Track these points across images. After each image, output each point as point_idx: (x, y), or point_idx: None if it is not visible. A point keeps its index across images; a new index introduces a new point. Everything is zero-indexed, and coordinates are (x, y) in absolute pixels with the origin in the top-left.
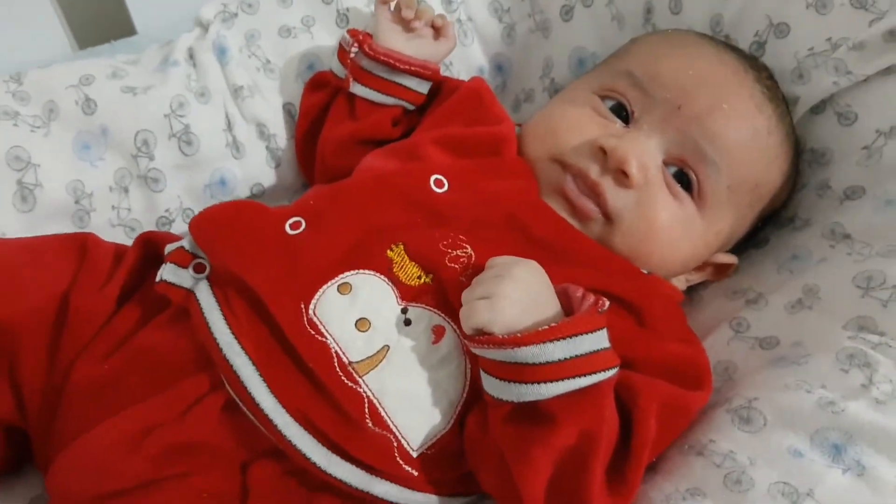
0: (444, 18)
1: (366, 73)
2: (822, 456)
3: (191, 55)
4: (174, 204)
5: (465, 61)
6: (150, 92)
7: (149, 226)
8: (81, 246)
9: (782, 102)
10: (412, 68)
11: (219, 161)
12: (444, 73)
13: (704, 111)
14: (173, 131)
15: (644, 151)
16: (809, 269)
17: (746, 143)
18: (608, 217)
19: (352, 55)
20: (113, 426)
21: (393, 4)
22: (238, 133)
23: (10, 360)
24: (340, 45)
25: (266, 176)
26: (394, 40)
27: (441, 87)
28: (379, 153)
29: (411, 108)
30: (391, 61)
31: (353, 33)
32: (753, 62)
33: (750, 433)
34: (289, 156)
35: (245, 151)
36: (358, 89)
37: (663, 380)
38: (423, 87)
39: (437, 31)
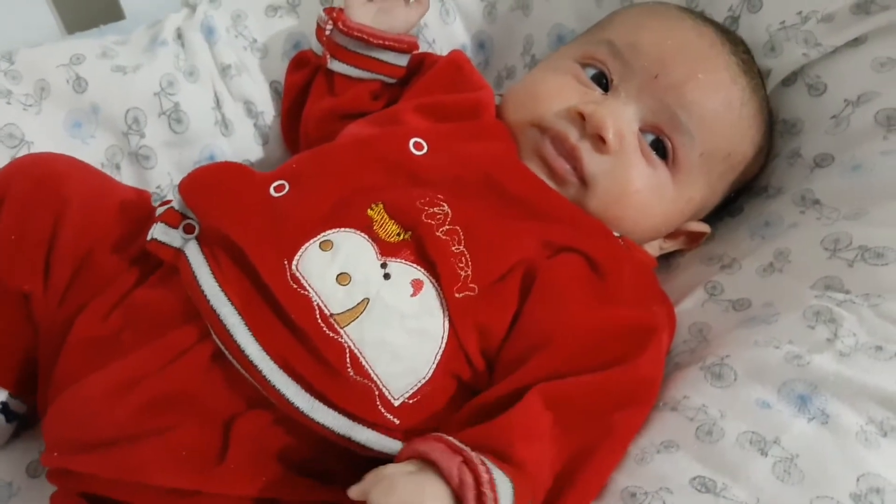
0: None
1: (342, 50)
2: (788, 406)
3: (179, 35)
4: (165, 180)
5: (448, 39)
6: (140, 71)
7: None
8: (137, 202)
9: (757, 75)
10: (386, 42)
11: (208, 138)
12: (426, 51)
13: (680, 81)
14: (163, 109)
15: (621, 118)
16: (780, 235)
17: (720, 113)
18: (584, 181)
19: (327, 32)
20: (101, 377)
21: None
22: (226, 111)
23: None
24: (318, 23)
25: (254, 152)
26: (364, 14)
27: (423, 62)
28: (361, 122)
29: (390, 81)
30: (364, 37)
31: (329, 11)
32: (730, 35)
33: (721, 388)
34: (276, 133)
35: (233, 129)
36: (335, 66)
37: (600, 345)
38: (400, 60)
39: None
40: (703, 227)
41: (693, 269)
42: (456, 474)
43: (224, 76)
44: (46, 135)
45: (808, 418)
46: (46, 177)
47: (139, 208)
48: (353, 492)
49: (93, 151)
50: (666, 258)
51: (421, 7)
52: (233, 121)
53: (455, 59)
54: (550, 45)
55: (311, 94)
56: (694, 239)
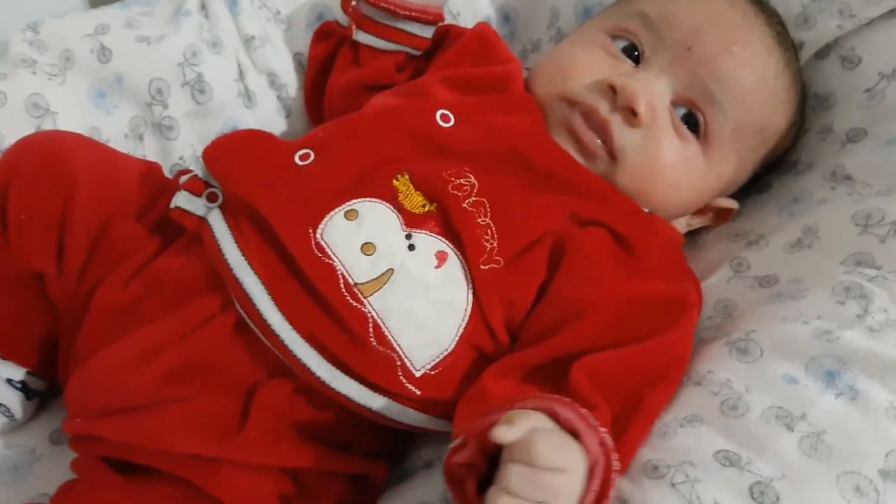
0: None
1: (368, 20)
2: (816, 382)
3: (203, 6)
4: (188, 151)
5: (473, 11)
6: (164, 41)
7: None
8: (148, 172)
9: (791, 48)
10: (412, 14)
11: (231, 110)
12: (450, 22)
13: (714, 53)
14: (186, 80)
15: (653, 91)
16: (810, 211)
17: (754, 87)
18: (613, 155)
19: (353, 3)
20: (124, 345)
21: None
22: (250, 82)
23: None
24: None
25: (277, 125)
26: None
27: (447, 34)
28: (387, 93)
29: (416, 53)
30: (391, 7)
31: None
32: (764, 6)
33: (747, 363)
34: (299, 105)
35: (256, 100)
36: (361, 37)
37: (634, 318)
38: (426, 32)
39: None
40: (732, 204)
41: (719, 245)
42: (594, 455)
43: (247, 47)
44: (71, 105)
45: (836, 394)
46: (54, 154)
47: (152, 180)
48: (507, 434)
49: (116, 122)
50: (691, 235)
51: None
52: (256, 92)
53: (482, 32)
54: (577, 17)
55: (335, 65)
56: (722, 215)
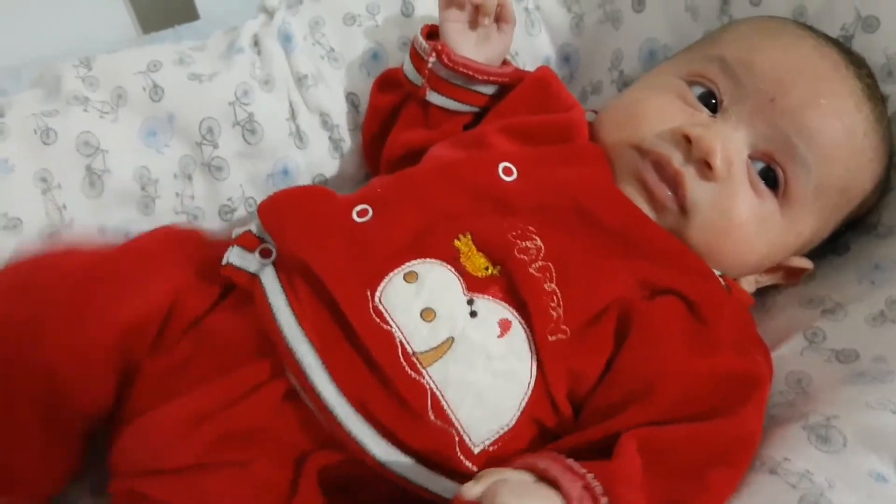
0: (503, 4)
1: (443, 82)
2: None
3: (255, 42)
4: (237, 193)
5: (532, 51)
6: (216, 79)
7: (211, 214)
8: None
9: (881, 102)
10: (491, 78)
11: (282, 150)
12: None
13: (800, 105)
14: (237, 119)
15: (730, 143)
16: (893, 280)
17: (841, 143)
18: (683, 209)
19: (430, 65)
20: (172, 409)
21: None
22: (301, 122)
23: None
24: (414, 49)
25: (328, 166)
26: (466, 46)
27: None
28: (445, 144)
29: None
30: (470, 72)
31: (433, 43)
32: (854, 57)
33: (828, 453)
34: (351, 146)
35: (308, 141)
36: (434, 98)
37: (703, 395)
38: (496, 91)
39: (500, 18)
40: (806, 264)
41: (791, 311)
42: (576, 497)
43: (300, 86)
44: (122, 143)
45: None
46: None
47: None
48: (471, 490)
49: (167, 161)
50: (760, 296)
51: (511, 25)
52: (307, 133)
53: (543, 77)
54: (641, 60)
55: (400, 119)
56: (794, 274)
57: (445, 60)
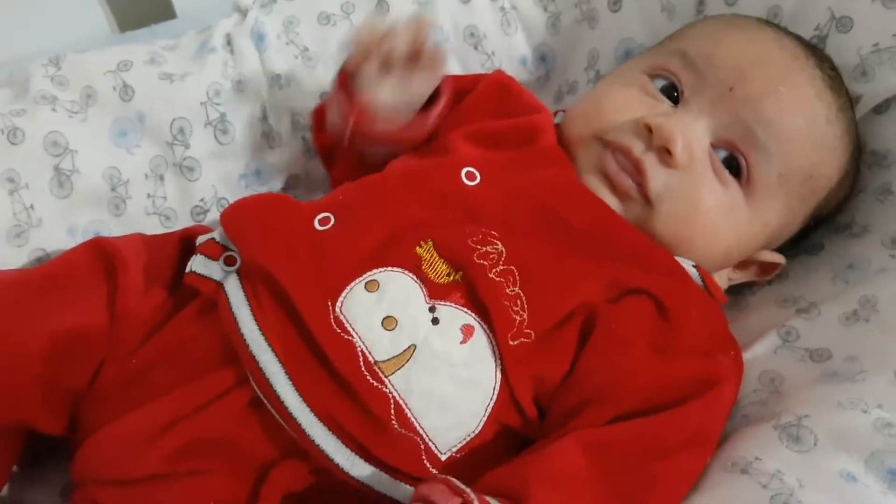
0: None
1: (368, 145)
2: (877, 481)
3: (228, 41)
4: (209, 193)
5: (508, 51)
6: (187, 79)
7: (184, 215)
8: (102, 255)
9: (845, 94)
10: (415, 142)
11: (254, 151)
12: (485, 63)
13: (759, 94)
14: (209, 119)
15: (691, 131)
16: (867, 280)
17: (802, 130)
18: (647, 199)
19: (346, 133)
20: (137, 417)
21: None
22: (274, 123)
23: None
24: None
25: (301, 167)
26: (380, 90)
27: (467, 83)
28: (410, 154)
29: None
30: (389, 143)
31: (347, 104)
32: (815, 50)
33: (799, 453)
34: None
35: (281, 142)
36: (369, 148)
37: (657, 399)
38: (427, 123)
39: (418, 61)
40: (778, 258)
41: (765, 310)
42: None
43: (273, 86)
44: (91, 143)
45: None
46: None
47: (108, 255)
48: None
49: (137, 161)
50: (734, 295)
51: (436, 71)
52: (280, 133)
53: (499, 80)
54: (617, 59)
55: (339, 160)
56: (766, 270)
57: (362, 134)
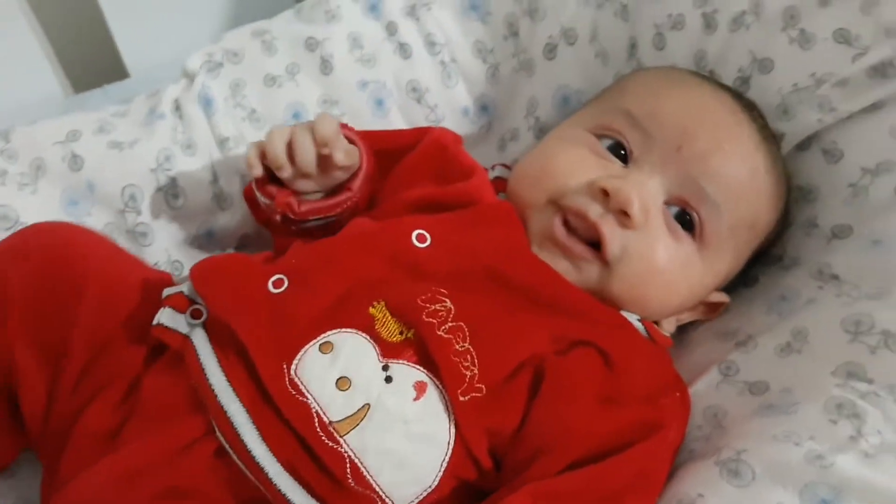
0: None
1: (299, 222)
2: None
3: (177, 107)
4: (162, 257)
5: (450, 103)
6: (137, 146)
7: None
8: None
9: (774, 141)
10: (344, 209)
11: (205, 213)
12: (429, 116)
13: (706, 152)
14: (160, 185)
15: (645, 191)
16: (798, 311)
17: (746, 183)
18: (605, 261)
19: (277, 218)
20: (106, 466)
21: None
22: (224, 185)
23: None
24: (259, 198)
25: (253, 227)
26: (308, 185)
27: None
28: (360, 217)
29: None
30: (322, 215)
31: (270, 196)
32: (745, 101)
33: (739, 487)
34: None
35: (232, 203)
36: (304, 225)
37: (603, 447)
38: (359, 185)
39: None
40: (723, 298)
41: (707, 345)
42: None
43: (222, 148)
44: (42, 214)
45: None
46: (66, 247)
47: (157, 293)
48: None
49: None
50: (678, 332)
51: (352, 159)
52: (230, 195)
53: (438, 141)
54: (555, 106)
55: (275, 231)
56: (712, 309)
57: (291, 216)
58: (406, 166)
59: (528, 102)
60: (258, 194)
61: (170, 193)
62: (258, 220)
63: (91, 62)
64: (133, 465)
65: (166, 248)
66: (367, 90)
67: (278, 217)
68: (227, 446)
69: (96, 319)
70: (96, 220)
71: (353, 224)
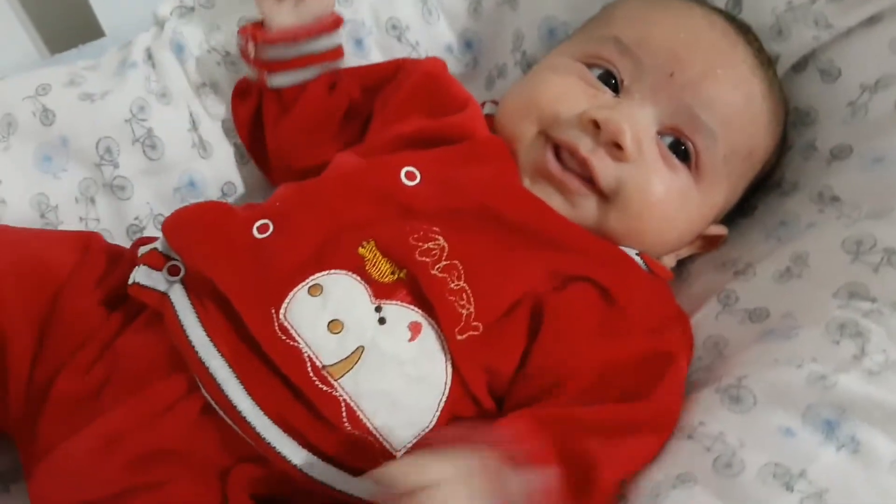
0: None
1: (274, 62)
2: (814, 434)
3: (149, 55)
4: (143, 211)
5: (433, 40)
6: (109, 97)
7: (119, 235)
8: (85, 245)
9: (771, 66)
10: (312, 31)
11: (186, 163)
12: (411, 54)
13: (698, 77)
14: (136, 136)
15: (637, 121)
16: (798, 236)
17: (742, 110)
18: (602, 194)
19: (251, 54)
20: (88, 434)
21: None
22: (203, 132)
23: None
24: (238, 48)
25: (236, 174)
26: (279, 15)
27: (399, 69)
28: (348, 152)
29: (338, 66)
30: (289, 37)
31: (242, 31)
32: (740, 24)
33: (740, 413)
34: None
35: (212, 150)
36: (277, 80)
37: (614, 382)
38: (334, 41)
39: None
40: (721, 230)
41: (706, 276)
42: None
43: (199, 95)
44: (15, 171)
45: (837, 446)
46: None
47: (95, 248)
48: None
49: (65, 186)
50: (677, 267)
51: None
52: (211, 142)
53: (431, 71)
54: (542, 39)
55: (266, 122)
56: (711, 242)
57: (261, 41)
58: (397, 99)
59: (514, 36)
60: (239, 36)
61: (147, 144)
62: (240, 120)
63: (66, 23)
64: (115, 429)
65: (147, 202)
66: (346, 29)
67: (250, 51)
68: (212, 402)
69: (23, 290)
70: (72, 175)
71: (340, 161)
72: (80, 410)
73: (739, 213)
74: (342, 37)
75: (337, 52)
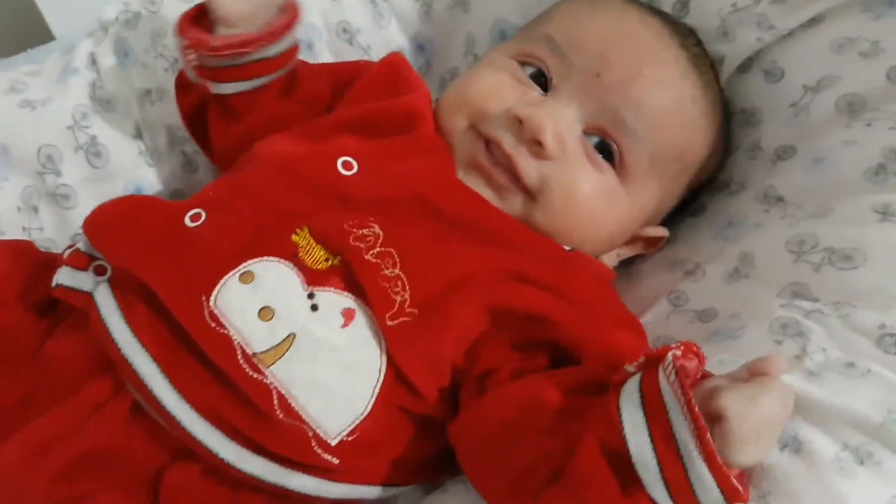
0: None
1: (219, 71)
2: None
3: (93, 61)
4: None
5: (384, 43)
6: (50, 104)
7: (64, 244)
8: (14, 254)
9: (709, 70)
10: (261, 41)
11: (132, 170)
12: (362, 57)
13: (624, 78)
14: (79, 143)
15: (560, 120)
16: (745, 236)
17: (669, 112)
18: (526, 191)
19: (193, 61)
20: (14, 443)
21: None
22: (149, 140)
23: None
24: (178, 51)
25: (183, 182)
26: (228, 4)
27: (360, 71)
28: (285, 136)
29: (292, 68)
30: (237, 51)
31: (183, 34)
32: (679, 27)
33: None
34: (206, 159)
35: (159, 158)
36: (222, 88)
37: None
38: (283, 46)
39: None
40: (661, 232)
41: (656, 276)
42: None
43: (144, 103)
44: None
45: (780, 446)
46: None
47: (23, 258)
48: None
49: (7, 195)
50: (626, 265)
51: None
52: (157, 150)
53: (391, 62)
54: (493, 42)
55: (211, 126)
56: (653, 243)
57: (205, 52)
58: (356, 89)
59: (466, 39)
60: (178, 38)
61: (90, 152)
62: (185, 111)
63: (14, 27)
64: (43, 436)
65: (91, 210)
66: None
67: (191, 60)
68: (140, 400)
69: None
70: (13, 184)
71: (276, 149)
72: (9, 422)
73: (689, 212)
74: (289, 41)
75: (290, 54)
